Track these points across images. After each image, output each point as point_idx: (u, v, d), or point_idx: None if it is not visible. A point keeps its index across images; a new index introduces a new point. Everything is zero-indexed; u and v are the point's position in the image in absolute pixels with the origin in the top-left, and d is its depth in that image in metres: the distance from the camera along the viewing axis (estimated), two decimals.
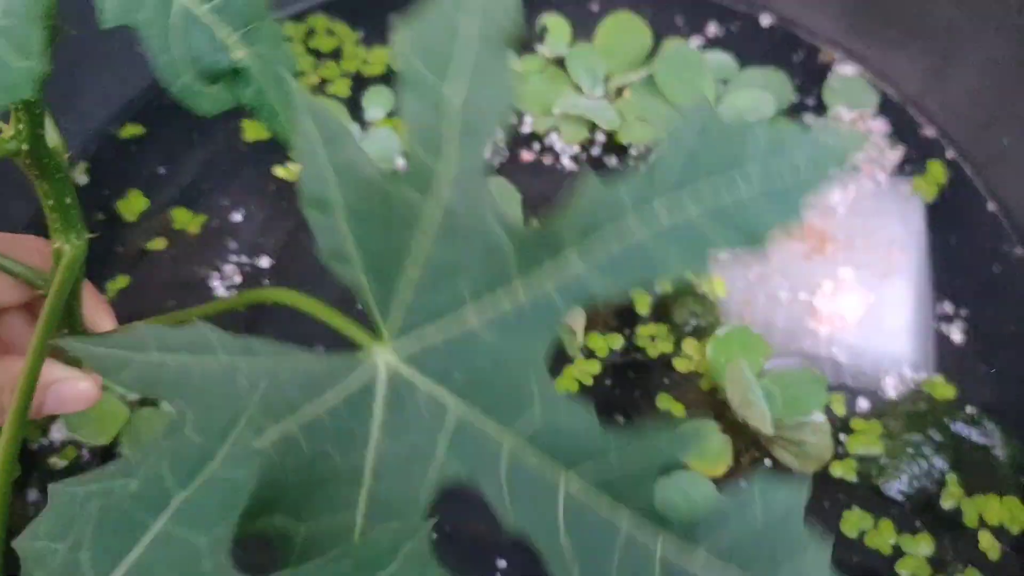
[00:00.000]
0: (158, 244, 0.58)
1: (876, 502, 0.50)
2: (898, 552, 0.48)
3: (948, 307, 0.56)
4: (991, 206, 0.59)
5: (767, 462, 0.51)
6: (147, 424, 0.51)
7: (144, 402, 0.52)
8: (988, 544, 0.48)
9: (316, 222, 0.25)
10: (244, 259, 0.58)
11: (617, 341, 0.55)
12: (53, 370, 0.34)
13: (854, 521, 0.49)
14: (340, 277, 0.26)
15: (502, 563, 0.49)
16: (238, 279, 0.57)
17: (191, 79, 0.27)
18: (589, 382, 0.54)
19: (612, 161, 0.61)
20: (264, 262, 0.58)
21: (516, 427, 0.25)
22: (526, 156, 0.61)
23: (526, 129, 0.62)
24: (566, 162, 0.61)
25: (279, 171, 0.60)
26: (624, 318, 0.56)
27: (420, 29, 0.24)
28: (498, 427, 0.25)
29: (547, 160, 0.61)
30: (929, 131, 0.62)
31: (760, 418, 0.50)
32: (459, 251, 0.25)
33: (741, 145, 0.24)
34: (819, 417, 0.52)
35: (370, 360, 0.25)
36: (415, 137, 0.24)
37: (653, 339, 0.55)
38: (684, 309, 0.56)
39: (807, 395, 0.52)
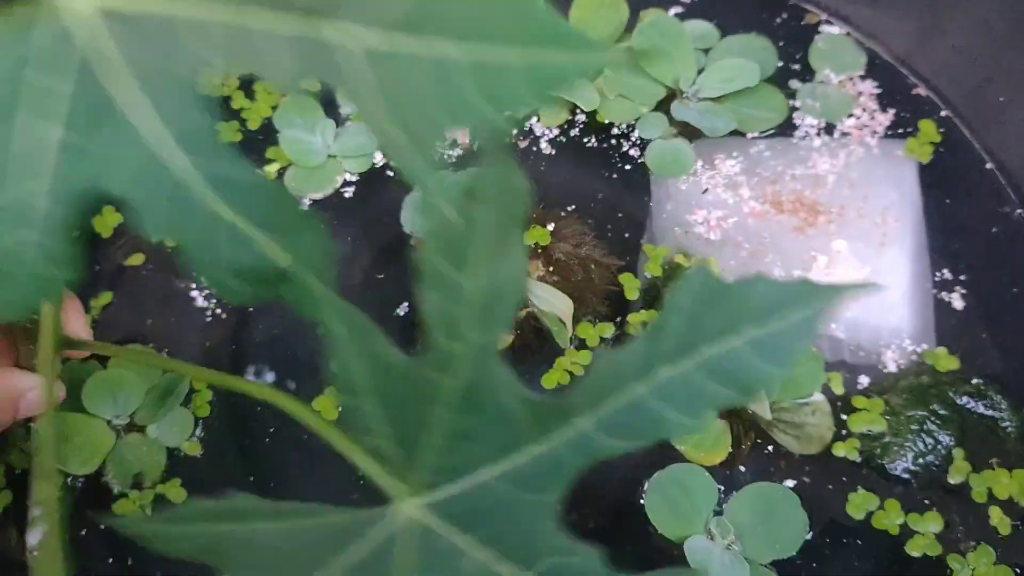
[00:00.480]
0: (136, 259, 0.57)
1: (881, 482, 0.49)
2: (907, 532, 0.47)
3: (947, 274, 0.54)
4: (989, 166, 0.57)
5: (767, 447, 0.50)
6: (133, 451, 0.50)
7: (131, 428, 0.51)
8: (998, 519, 0.47)
9: (347, 405, 0.27)
10: None
11: (608, 330, 0.53)
12: (24, 380, 0.40)
13: (859, 502, 0.48)
14: (364, 444, 0.27)
15: None
16: None
17: (236, 283, 0.28)
18: (580, 373, 0.52)
19: (592, 142, 0.59)
20: None
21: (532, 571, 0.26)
22: None
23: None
24: (544, 146, 0.59)
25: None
26: (614, 305, 0.54)
27: (440, 224, 0.24)
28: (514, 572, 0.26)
29: (525, 144, 0.59)
30: (921, 91, 0.60)
31: (758, 403, 0.49)
32: (476, 422, 0.26)
33: (740, 305, 0.24)
34: (818, 397, 0.51)
35: (395, 514, 0.27)
36: (436, 325, 0.25)
37: (645, 326, 0.53)
38: None
39: (805, 375, 0.50)
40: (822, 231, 0.55)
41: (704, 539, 0.46)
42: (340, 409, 0.27)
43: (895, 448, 0.49)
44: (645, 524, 0.48)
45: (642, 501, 0.48)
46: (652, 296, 0.54)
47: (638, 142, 0.59)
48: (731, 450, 0.50)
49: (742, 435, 0.50)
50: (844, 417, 0.50)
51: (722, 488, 0.48)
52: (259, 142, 0.59)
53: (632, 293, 0.54)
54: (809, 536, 0.47)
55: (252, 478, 0.50)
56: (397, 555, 0.26)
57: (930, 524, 0.47)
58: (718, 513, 0.47)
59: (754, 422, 0.50)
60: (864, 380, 0.51)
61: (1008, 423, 0.49)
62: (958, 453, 0.48)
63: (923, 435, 0.48)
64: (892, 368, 0.51)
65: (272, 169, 0.58)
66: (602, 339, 0.53)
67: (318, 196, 0.57)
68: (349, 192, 0.58)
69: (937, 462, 0.48)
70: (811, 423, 0.50)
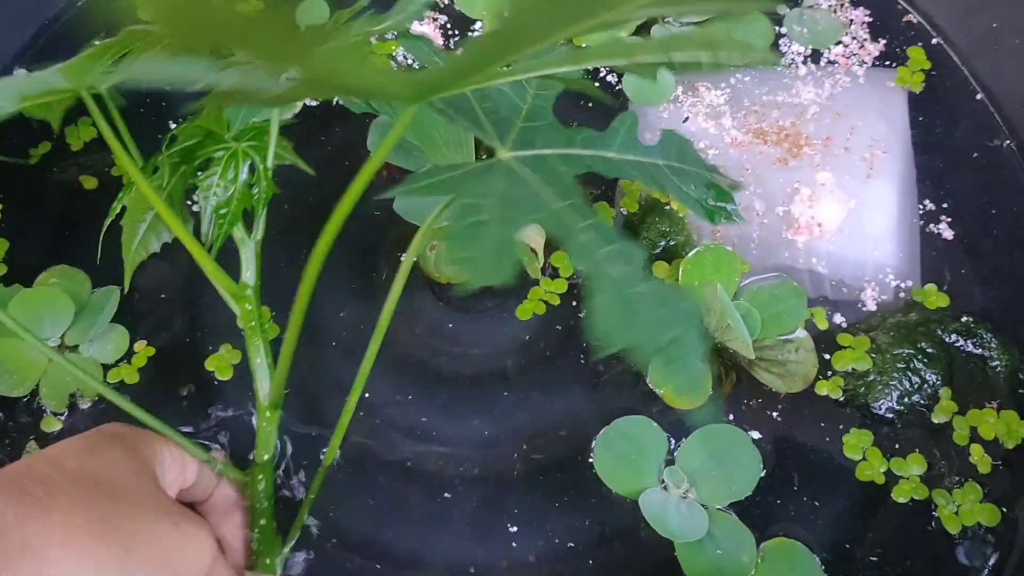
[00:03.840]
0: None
1: (865, 421, 0.47)
2: (892, 477, 0.45)
3: (935, 207, 0.52)
4: (979, 96, 0.55)
5: (749, 385, 0.48)
6: (66, 371, 0.47)
7: (62, 348, 0.48)
8: (979, 458, 0.46)
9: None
10: None
11: None
12: None
13: (853, 443, 0.46)
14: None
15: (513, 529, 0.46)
16: None
17: None
18: (556, 302, 0.50)
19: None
20: None
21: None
22: None
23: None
24: None
25: None
26: None
27: None
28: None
29: None
30: (912, 17, 0.57)
31: (740, 342, 0.46)
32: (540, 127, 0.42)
33: None
34: (801, 333, 0.49)
35: (498, 158, 0.38)
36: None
37: (660, 280, 0.51)
38: (652, 229, 0.51)
39: (787, 311, 0.48)
40: (806, 162, 0.53)
41: (659, 491, 0.44)
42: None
43: (880, 387, 0.47)
44: (599, 483, 0.46)
45: (591, 459, 0.46)
46: (628, 232, 0.52)
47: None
48: (712, 391, 0.47)
49: (723, 375, 0.48)
50: (828, 356, 0.48)
51: (671, 438, 0.46)
52: None
53: (606, 223, 0.52)
54: (763, 473, 0.45)
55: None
56: (496, 173, 0.37)
57: (913, 467, 0.45)
58: (670, 462, 0.45)
59: (735, 361, 0.48)
60: (849, 317, 0.49)
61: (997, 362, 0.47)
62: (945, 392, 0.47)
63: (909, 374, 0.47)
64: (876, 304, 0.50)
65: None
66: (577, 268, 0.51)
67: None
68: (311, 117, 0.55)
69: (923, 401, 0.47)
70: (794, 360, 0.48)
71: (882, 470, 0.45)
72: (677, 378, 0.31)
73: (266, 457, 0.42)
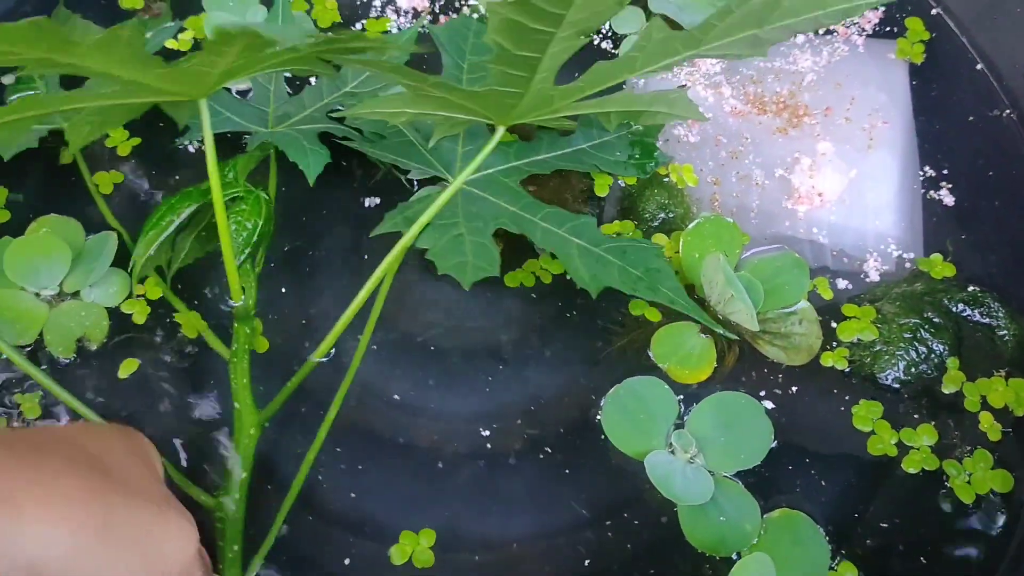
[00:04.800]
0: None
1: (871, 392, 0.46)
2: (902, 448, 0.44)
3: (935, 176, 0.51)
4: (979, 66, 0.54)
5: (752, 359, 0.46)
6: (69, 317, 0.46)
7: (62, 296, 0.47)
8: (989, 425, 0.45)
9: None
10: None
11: None
12: None
13: (863, 414, 0.45)
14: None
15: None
16: None
17: None
18: (549, 280, 0.48)
19: None
20: None
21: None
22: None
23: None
24: None
25: (169, 43, 0.55)
26: (596, 204, 0.50)
27: None
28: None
29: None
30: None
31: (743, 314, 0.45)
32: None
33: None
34: (805, 305, 0.47)
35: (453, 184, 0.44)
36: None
37: (618, 236, 0.49)
38: (651, 201, 0.50)
39: (790, 283, 0.47)
40: (807, 132, 0.51)
41: (665, 454, 0.43)
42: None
43: (886, 357, 0.46)
44: (605, 440, 0.44)
45: (598, 418, 0.45)
46: (627, 206, 0.50)
47: (611, 35, 0.55)
48: (716, 365, 0.46)
49: (727, 349, 0.47)
50: (834, 325, 0.47)
51: (682, 402, 0.45)
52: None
53: (602, 190, 0.50)
54: (775, 444, 0.44)
55: None
56: (456, 197, 0.43)
57: (923, 437, 0.45)
58: (679, 426, 0.44)
59: (738, 334, 0.47)
60: (852, 288, 0.48)
61: (1005, 331, 0.46)
62: (952, 363, 0.46)
63: (916, 344, 0.46)
64: (878, 275, 0.49)
65: (187, 37, 0.55)
66: None
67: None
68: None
69: (930, 371, 0.46)
70: (799, 332, 0.47)
71: (893, 442, 0.44)
72: (657, 295, 0.43)
73: (244, 476, 0.42)
